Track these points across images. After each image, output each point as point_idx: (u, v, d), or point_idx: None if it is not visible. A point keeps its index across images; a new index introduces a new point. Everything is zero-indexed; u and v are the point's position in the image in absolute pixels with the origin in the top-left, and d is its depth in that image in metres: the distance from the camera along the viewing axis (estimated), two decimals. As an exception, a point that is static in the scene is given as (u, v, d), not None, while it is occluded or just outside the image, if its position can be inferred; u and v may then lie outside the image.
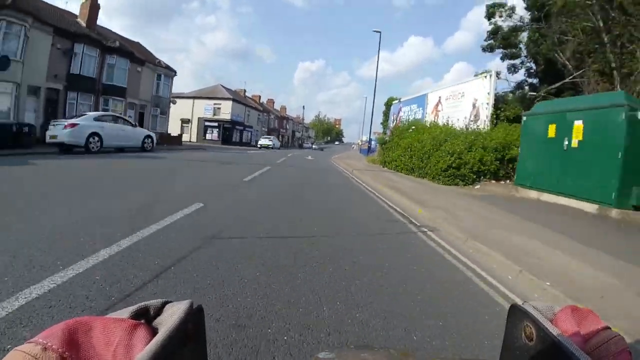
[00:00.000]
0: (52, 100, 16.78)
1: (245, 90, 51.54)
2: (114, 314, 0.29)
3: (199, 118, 38.92)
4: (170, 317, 0.29)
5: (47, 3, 18.27)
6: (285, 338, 1.71)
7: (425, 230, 4.47)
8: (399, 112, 24.91)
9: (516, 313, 0.37)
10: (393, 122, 24.45)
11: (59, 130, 11.83)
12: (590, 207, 6.85)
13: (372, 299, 2.26)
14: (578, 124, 7.29)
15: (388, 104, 26.89)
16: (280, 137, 61.44)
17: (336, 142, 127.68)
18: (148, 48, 24.62)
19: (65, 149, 12.09)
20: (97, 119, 13.05)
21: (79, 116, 13.17)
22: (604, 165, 6.69)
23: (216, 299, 2.06)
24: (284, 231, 3.81)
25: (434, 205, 5.94)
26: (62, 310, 1.78)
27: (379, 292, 2.39)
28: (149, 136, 15.60)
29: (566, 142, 7.46)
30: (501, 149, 9.72)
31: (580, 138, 7.23)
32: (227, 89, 44.45)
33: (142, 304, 0.30)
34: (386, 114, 27.53)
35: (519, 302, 0.38)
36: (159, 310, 0.30)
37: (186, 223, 3.63)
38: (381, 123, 28.79)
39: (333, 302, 2.14)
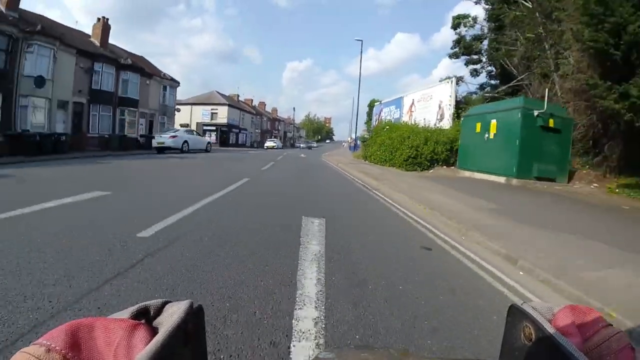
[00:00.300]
0: (77, 113, 19.34)
1: (238, 95, 54.20)
2: (114, 314, 0.30)
3: (197, 123, 41.47)
4: (170, 317, 0.29)
5: (68, 27, 20.80)
6: (302, 204, 4.55)
7: (375, 192, 7.37)
8: (380, 113, 27.85)
9: (515, 313, 0.38)
10: (376, 122, 27.37)
11: (165, 139, 18.93)
12: (500, 179, 9.83)
13: (343, 206, 5.13)
14: (493, 122, 10.28)
15: (371, 106, 29.88)
16: (272, 137, 64.13)
17: (327, 141, 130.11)
18: (134, 52, 27.06)
19: (161, 150, 18.93)
20: (186, 132, 21.44)
21: (175, 131, 20.92)
22: (509, 150, 9.67)
23: (267, 201, 4.91)
24: (292, 193, 6.67)
25: (387, 181, 8.84)
26: (217, 206, 4.59)
27: (348, 205, 5.27)
28: (209, 143, 24.43)
29: (486, 135, 10.44)
30: (450, 142, 12.71)
31: (495, 132, 10.22)
32: (222, 95, 47.06)
33: (142, 304, 0.31)
34: (369, 115, 30.46)
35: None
36: (159, 310, 0.31)
37: (247, 184, 6.61)
38: (365, 123, 31.72)
39: (325, 204, 5.00)
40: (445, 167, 12.70)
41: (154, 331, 0.28)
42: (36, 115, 17.40)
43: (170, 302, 0.32)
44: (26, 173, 7.66)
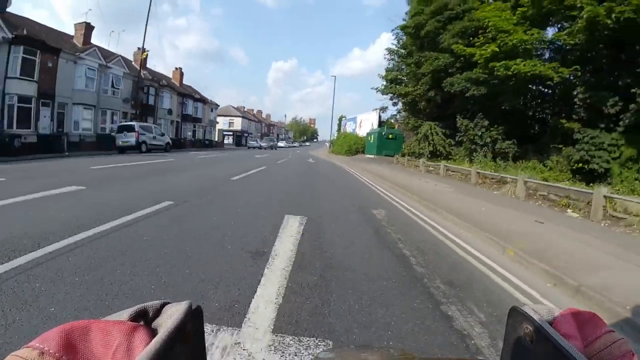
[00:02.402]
0: (177, 128, 35.99)
1: (244, 107, 70.95)
2: (112, 316, 0.30)
3: (219, 129, 58.05)
4: (169, 318, 0.29)
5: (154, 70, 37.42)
6: (294, 184, 21.77)
7: (332, 161, 24.84)
8: (345, 125, 45.95)
9: (516, 315, 0.38)
10: (343, 130, 45.32)
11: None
12: (373, 156, 27.43)
13: (319, 177, 22.45)
14: (373, 136, 27.97)
15: (340, 120, 47.72)
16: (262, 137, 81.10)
17: (314, 140, 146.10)
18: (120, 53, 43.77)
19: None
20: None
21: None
22: (376, 146, 27.28)
23: (274, 181, 22.18)
24: (295, 171, 23.94)
25: (335, 158, 26.31)
26: (242, 181, 21.73)
27: (319, 175, 22.63)
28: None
29: (371, 140, 28.13)
30: (363, 142, 30.34)
31: (372, 140, 27.91)
32: (235, 108, 63.79)
33: (141, 305, 0.31)
34: (339, 125, 48.27)
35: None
36: (158, 312, 0.31)
37: (260, 173, 14.84)
38: (336, 131, 49.39)
39: (311, 181, 22.27)
40: (361, 154, 30.24)
41: (153, 332, 0.29)
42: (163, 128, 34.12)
43: (169, 303, 0.32)
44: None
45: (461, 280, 3.06)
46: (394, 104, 28.34)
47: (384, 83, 24.18)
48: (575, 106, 12.01)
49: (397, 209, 6.52)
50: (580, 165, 11.40)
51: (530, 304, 0.38)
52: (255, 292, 2.48)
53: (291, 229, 4.21)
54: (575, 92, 11.69)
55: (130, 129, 21.01)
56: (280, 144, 71.55)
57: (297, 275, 2.84)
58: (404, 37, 21.73)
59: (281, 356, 1.77)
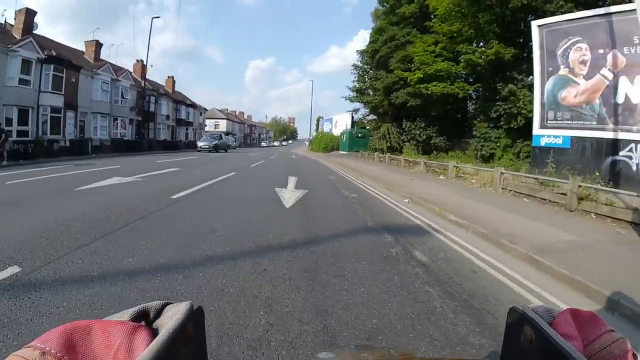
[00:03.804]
0: (172, 131, 40.27)
1: (227, 109, 75.11)
2: (113, 316, 0.30)
3: (206, 130, 62.17)
4: (171, 319, 0.29)
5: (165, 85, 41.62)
6: (288, 167, 26.96)
7: (309, 157, 30.08)
8: (322, 125, 51.27)
9: (515, 316, 0.38)
10: (320, 130, 50.59)
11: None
12: (345, 152, 32.88)
13: (302, 165, 27.66)
14: (345, 135, 33.44)
15: (318, 120, 53.09)
16: (251, 139, 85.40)
17: (294, 139, 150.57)
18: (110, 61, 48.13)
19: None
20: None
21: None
22: (347, 144, 32.76)
23: (273, 164, 27.34)
24: (287, 160, 29.09)
25: (314, 155, 31.57)
26: (261, 167, 26.84)
27: (301, 165, 27.85)
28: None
29: (344, 139, 33.59)
30: (338, 141, 35.76)
31: (344, 139, 33.38)
32: (220, 110, 67.99)
33: (142, 305, 0.31)
34: (317, 125, 53.62)
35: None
36: (159, 312, 0.31)
37: (263, 164, 28.56)
38: (315, 130, 54.65)
39: (295, 165, 27.46)
40: (336, 150, 35.61)
41: (154, 333, 0.29)
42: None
43: (171, 303, 0.32)
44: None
45: (361, 194, 8.41)
46: (364, 107, 33.98)
47: (352, 94, 29.69)
48: (475, 112, 17.73)
49: (343, 177, 12.02)
50: (476, 152, 17.10)
51: (529, 305, 0.38)
52: (287, 183, 8.01)
53: (292, 179, 9.51)
54: (471, 103, 17.39)
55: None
56: (263, 143, 77.04)
57: (298, 184, 8.20)
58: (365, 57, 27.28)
59: (293, 192, 7.05)
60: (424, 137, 21.15)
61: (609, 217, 5.96)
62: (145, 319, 0.31)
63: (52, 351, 0.24)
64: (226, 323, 2.17)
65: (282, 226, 4.62)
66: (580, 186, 6.54)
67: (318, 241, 4.02)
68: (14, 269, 2.85)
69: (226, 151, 35.04)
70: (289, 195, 6.95)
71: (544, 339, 0.33)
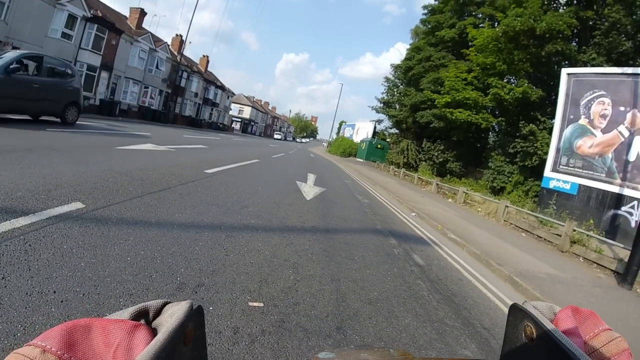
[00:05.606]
0: (197, 109, 41.50)
1: (254, 97, 76.37)
2: (113, 314, 0.30)
3: (229, 115, 63.40)
4: (170, 318, 0.30)
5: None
6: (293, 153, 27.70)
7: (326, 158, 30.76)
8: (344, 130, 51.95)
9: (516, 313, 0.38)
10: (341, 134, 51.33)
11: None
12: (362, 160, 33.46)
13: (319, 165, 28.39)
14: (364, 144, 34.02)
15: (340, 124, 53.79)
16: (272, 130, 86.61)
17: (312, 138, 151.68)
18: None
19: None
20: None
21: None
22: (366, 153, 33.30)
23: (292, 158, 28.09)
24: (306, 157, 29.83)
25: (332, 157, 32.23)
26: (282, 159, 27.63)
27: (319, 165, 28.58)
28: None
29: (363, 148, 34.17)
30: (356, 148, 36.34)
31: (364, 147, 33.96)
32: (246, 97, 69.24)
33: (142, 304, 0.31)
34: (339, 129, 54.31)
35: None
36: (159, 311, 0.31)
37: (283, 157, 29.39)
38: (336, 133, 55.37)
39: (301, 156, 28.20)
40: (352, 157, 36.21)
41: (154, 332, 0.29)
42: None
43: (170, 302, 0.32)
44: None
45: (373, 201, 9.06)
46: (388, 119, 34.99)
47: (380, 105, 30.22)
48: (494, 145, 18.18)
49: (357, 183, 12.69)
50: (488, 182, 17.53)
51: (530, 302, 0.38)
52: (307, 179, 8.67)
53: (311, 176, 10.20)
54: (492, 135, 17.84)
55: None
56: (276, 135, 78.05)
57: (317, 182, 8.86)
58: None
59: (312, 188, 7.77)
60: (441, 159, 21.63)
61: (595, 262, 6.49)
62: (145, 318, 0.31)
63: (52, 349, 0.25)
64: (264, 273, 2.85)
65: (304, 214, 5.32)
66: (574, 230, 7.07)
67: (334, 231, 4.72)
68: (77, 205, 3.10)
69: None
70: (309, 189, 7.68)
71: (545, 336, 0.33)
